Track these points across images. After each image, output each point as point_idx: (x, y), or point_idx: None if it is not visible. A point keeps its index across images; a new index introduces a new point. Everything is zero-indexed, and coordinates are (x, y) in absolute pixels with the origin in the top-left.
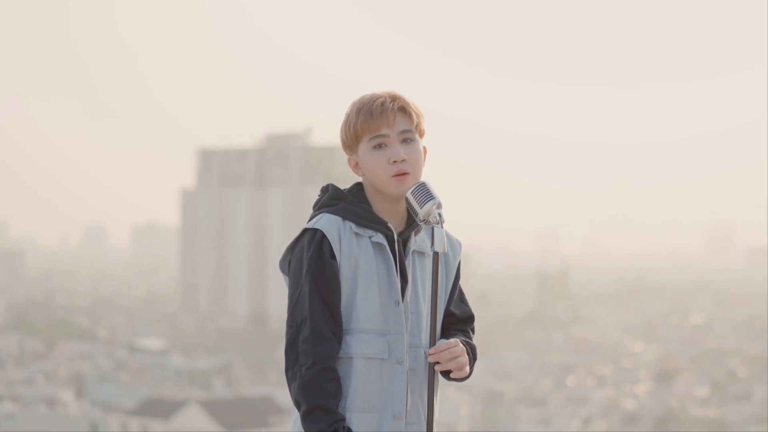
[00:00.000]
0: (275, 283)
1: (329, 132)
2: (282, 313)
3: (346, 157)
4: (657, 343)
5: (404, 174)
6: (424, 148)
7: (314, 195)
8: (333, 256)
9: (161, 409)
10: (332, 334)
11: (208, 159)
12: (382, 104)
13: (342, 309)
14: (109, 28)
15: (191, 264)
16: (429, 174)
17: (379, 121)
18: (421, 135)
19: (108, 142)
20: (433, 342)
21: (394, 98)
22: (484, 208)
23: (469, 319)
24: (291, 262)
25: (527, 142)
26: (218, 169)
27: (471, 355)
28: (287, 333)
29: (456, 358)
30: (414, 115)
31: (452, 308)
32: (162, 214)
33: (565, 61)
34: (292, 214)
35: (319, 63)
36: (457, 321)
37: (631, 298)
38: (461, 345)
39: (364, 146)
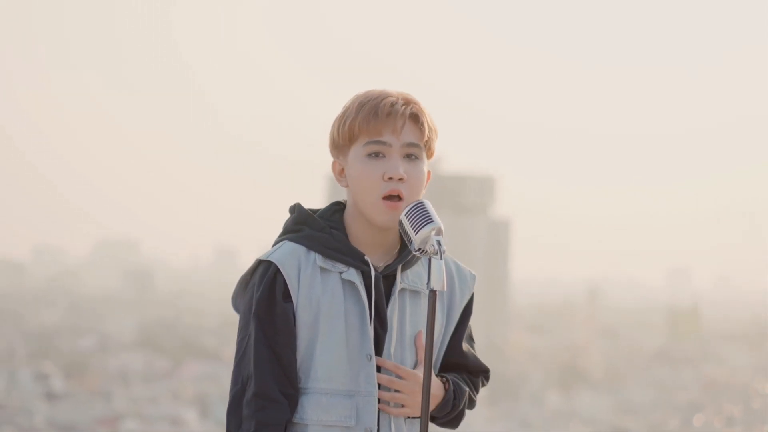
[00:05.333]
0: None
1: (460, 160)
2: None
3: (475, 185)
4: None
5: (397, 198)
6: (429, 172)
7: (444, 223)
8: (288, 296)
9: None
10: (282, 396)
11: (335, 183)
12: (392, 105)
13: (299, 363)
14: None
15: None
16: (553, 196)
17: (384, 123)
18: (430, 155)
19: (233, 164)
20: (427, 408)
21: (408, 102)
22: (611, 234)
23: (481, 373)
24: (244, 301)
25: (650, 158)
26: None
27: (455, 401)
28: (231, 390)
29: (403, 393)
30: (426, 129)
31: (461, 359)
32: None
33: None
34: None
35: (451, 89)
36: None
37: (764, 337)
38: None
39: (357, 150)
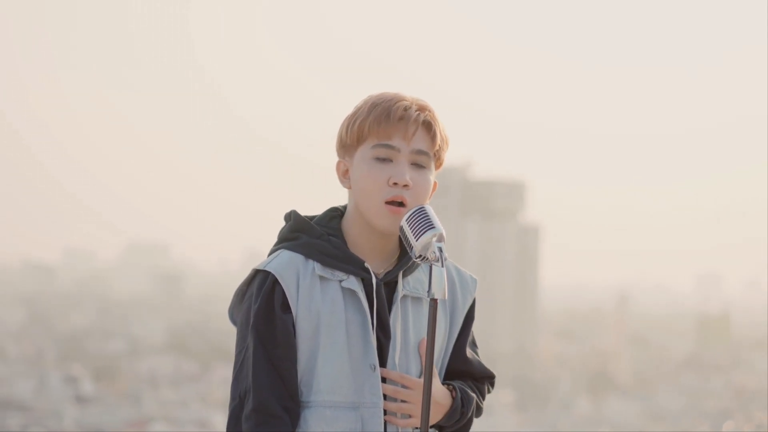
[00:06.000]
0: None
1: (489, 166)
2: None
3: (504, 190)
4: None
5: (400, 204)
6: (435, 183)
7: (474, 229)
8: (287, 307)
9: None
10: (282, 410)
11: None
12: (405, 109)
13: (300, 376)
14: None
15: None
16: (576, 199)
17: (395, 127)
18: (438, 165)
19: (263, 168)
20: (427, 417)
21: (422, 109)
22: (641, 236)
23: (487, 379)
24: (241, 313)
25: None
26: None
27: (463, 409)
28: (230, 405)
29: (407, 402)
30: (438, 138)
31: (466, 366)
32: None
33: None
34: (449, 248)
35: (478, 101)
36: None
37: None
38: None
39: (364, 152)
